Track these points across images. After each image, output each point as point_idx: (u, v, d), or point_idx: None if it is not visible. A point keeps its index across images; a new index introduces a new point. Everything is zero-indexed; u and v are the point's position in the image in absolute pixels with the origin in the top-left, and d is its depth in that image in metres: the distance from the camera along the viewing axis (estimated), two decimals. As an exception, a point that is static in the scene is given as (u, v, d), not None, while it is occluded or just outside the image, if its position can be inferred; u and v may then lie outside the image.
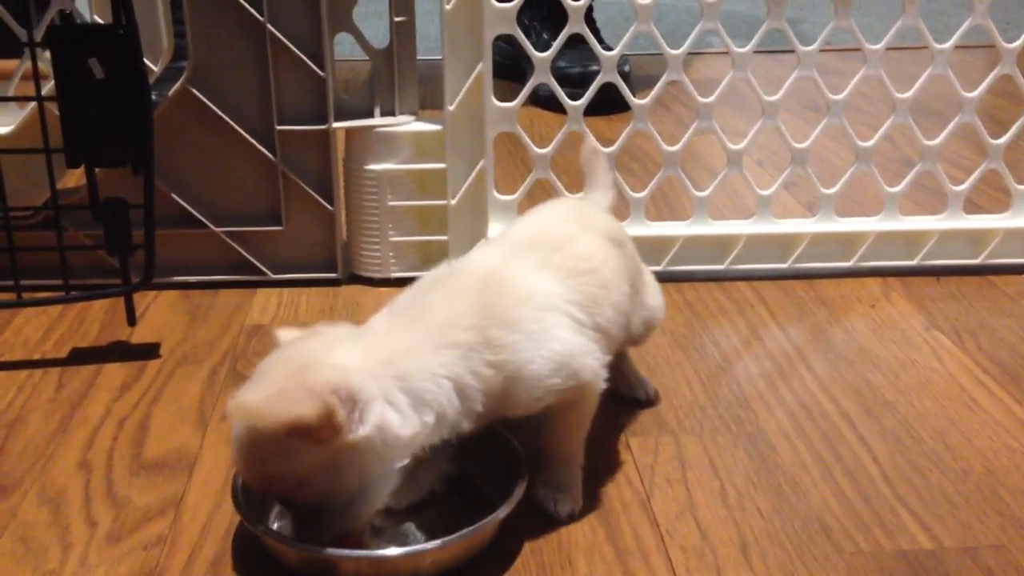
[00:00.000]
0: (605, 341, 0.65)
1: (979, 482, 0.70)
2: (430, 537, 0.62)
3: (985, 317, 0.93)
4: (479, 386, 0.59)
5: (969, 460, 0.72)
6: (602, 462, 0.71)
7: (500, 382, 0.60)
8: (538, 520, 0.65)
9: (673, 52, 0.94)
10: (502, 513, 0.61)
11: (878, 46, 0.95)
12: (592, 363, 0.63)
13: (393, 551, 0.60)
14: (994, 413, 0.78)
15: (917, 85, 0.97)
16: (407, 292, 0.63)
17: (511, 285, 0.62)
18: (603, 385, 0.64)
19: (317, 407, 0.52)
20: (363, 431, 0.55)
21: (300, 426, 0.53)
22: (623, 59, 0.95)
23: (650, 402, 0.79)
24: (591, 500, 0.67)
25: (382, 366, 0.57)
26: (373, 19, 0.98)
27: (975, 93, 0.97)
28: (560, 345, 0.61)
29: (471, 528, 0.60)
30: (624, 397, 0.79)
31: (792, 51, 0.95)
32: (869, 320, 0.93)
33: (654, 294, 0.77)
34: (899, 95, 0.97)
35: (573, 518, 0.65)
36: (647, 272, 0.77)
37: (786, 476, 0.70)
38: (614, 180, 0.82)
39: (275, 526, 0.64)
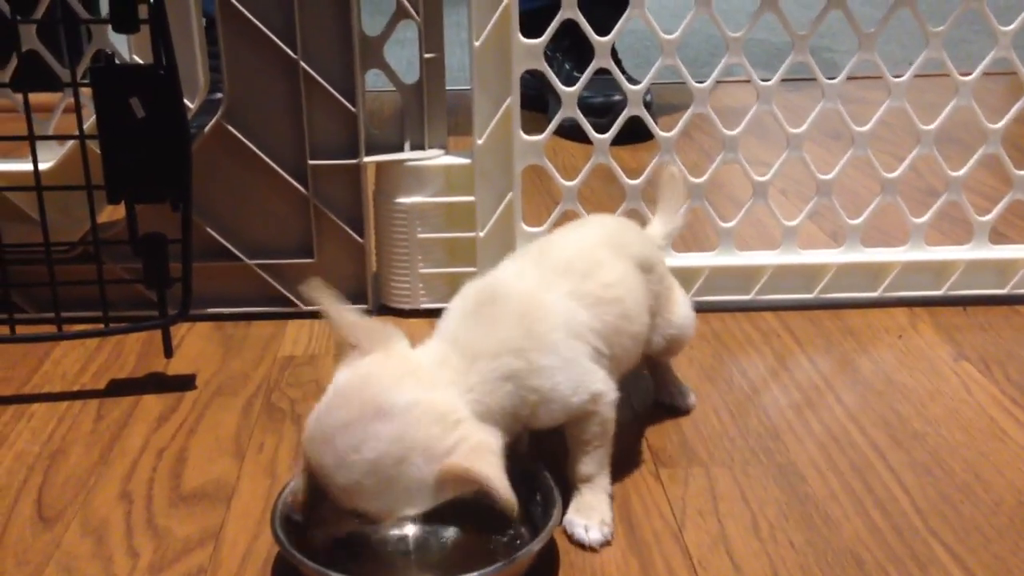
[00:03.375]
0: (614, 367, 0.70)
1: (1012, 514, 0.70)
2: (466, 569, 0.63)
3: (1013, 347, 0.93)
4: (524, 410, 0.64)
5: (1001, 492, 0.72)
6: (633, 493, 0.72)
7: (536, 400, 0.64)
8: (572, 552, 0.66)
9: (699, 85, 0.95)
10: (537, 545, 0.62)
11: (902, 78, 0.96)
12: (603, 387, 0.67)
13: (429, 583, 0.61)
14: (1024, 444, 0.78)
15: (942, 117, 0.97)
16: (450, 318, 0.67)
17: (548, 312, 0.66)
18: (614, 395, 0.68)
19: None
20: None
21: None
22: (646, 89, 0.96)
23: (688, 410, 0.82)
24: (623, 531, 0.68)
25: (459, 395, 0.61)
26: (395, 48, 0.99)
27: (1000, 124, 0.98)
28: (583, 371, 0.66)
29: (506, 561, 0.60)
30: (665, 407, 0.83)
31: (815, 79, 0.96)
32: (896, 350, 0.93)
33: (682, 312, 0.80)
34: (924, 126, 0.98)
35: (604, 545, 0.66)
36: (677, 289, 0.81)
37: (817, 508, 0.70)
38: (683, 209, 0.88)
39: (312, 557, 0.65)
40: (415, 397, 0.59)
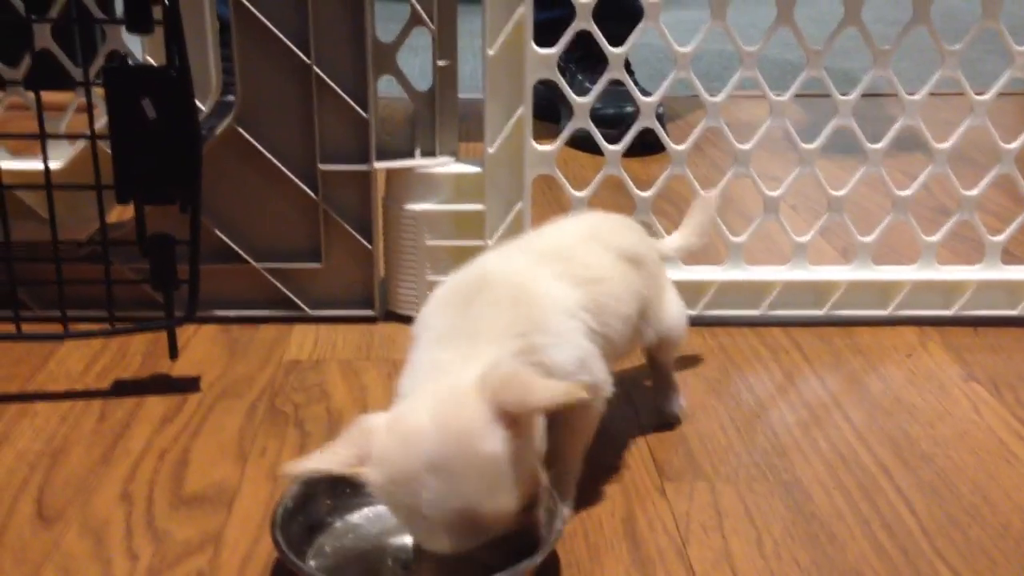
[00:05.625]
0: (610, 349, 0.70)
1: (1019, 538, 0.69)
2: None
3: (1023, 369, 0.92)
4: None
5: (1008, 515, 0.71)
6: (638, 507, 0.71)
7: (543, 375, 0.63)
8: (573, 566, 0.65)
9: (712, 99, 0.95)
10: (538, 558, 0.61)
11: (917, 96, 0.96)
12: (603, 377, 0.68)
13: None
14: (1034, 468, 0.77)
15: (956, 136, 0.97)
16: (445, 314, 0.65)
17: (539, 294, 0.67)
18: (611, 389, 0.69)
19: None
20: None
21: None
22: (658, 102, 0.96)
23: (672, 418, 0.82)
24: (627, 546, 0.67)
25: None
26: (409, 55, 1.00)
27: (1014, 145, 0.98)
28: (580, 347, 0.66)
29: (506, 572, 0.60)
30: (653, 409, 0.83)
31: (827, 95, 0.95)
32: (906, 370, 0.92)
33: (674, 311, 0.80)
34: (937, 145, 0.97)
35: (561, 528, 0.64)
36: (671, 291, 0.82)
37: (823, 527, 0.70)
38: (708, 231, 0.90)
39: (312, 563, 0.64)
40: (422, 420, 0.57)
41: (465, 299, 0.65)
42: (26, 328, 0.86)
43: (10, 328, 0.86)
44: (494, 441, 0.56)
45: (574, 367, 0.65)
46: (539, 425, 0.60)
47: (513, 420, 0.56)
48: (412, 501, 0.55)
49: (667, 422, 0.82)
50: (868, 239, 1.00)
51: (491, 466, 0.56)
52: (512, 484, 0.57)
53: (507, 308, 0.64)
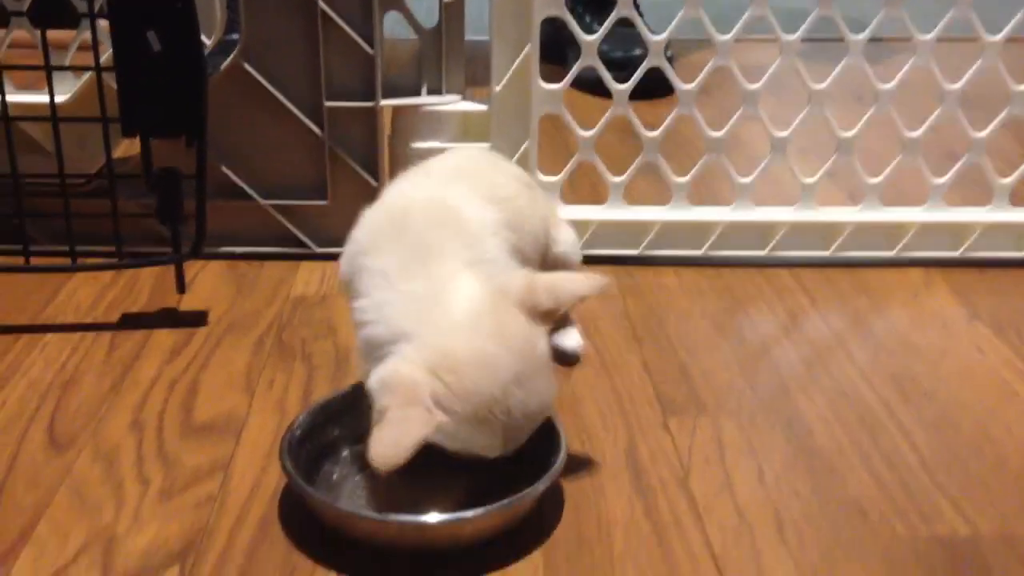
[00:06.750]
0: (525, 265, 0.70)
1: (1018, 472, 0.70)
2: (471, 506, 0.63)
3: (1028, 311, 0.92)
4: None
5: (1008, 450, 0.72)
6: (640, 440, 0.72)
7: None
8: (577, 495, 0.66)
9: (721, 38, 0.94)
10: (541, 486, 0.62)
11: (928, 36, 0.95)
12: None
13: (433, 517, 0.61)
14: (1035, 405, 0.78)
15: (967, 75, 0.96)
16: (382, 248, 0.65)
17: (464, 213, 0.67)
18: None
19: None
20: None
21: None
22: (667, 44, 0.95)
23: (575, 358, 0.81)
24: (629, 477, 0.68)
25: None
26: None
27: (1024, 86, 0.97)
28: (509, 264, 0.67)
29: (510, 499, 0.61)
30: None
31: (839, 40, 0.94)
32: (911, 310, 0.92)
33: (569, 236, 0.82)
34: (948, 86, 0.96)
35: None
36: (559, 216, 0.83)
37: (823, 460, 0.70)
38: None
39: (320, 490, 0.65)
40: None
41: (396, 230, 0.65)
42: (35, 261, 0.87)
43: (19, 261, 0.86)
44: (543, 341, 0.62)
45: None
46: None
47: (543, 316, 0.62)
48: (505, 419, 0.60)
49: (567, 361, 0.81)
50: (876, 181, 1.00)
51: (547, 363, 0.62)
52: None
53: (443, 227, 0.65)
